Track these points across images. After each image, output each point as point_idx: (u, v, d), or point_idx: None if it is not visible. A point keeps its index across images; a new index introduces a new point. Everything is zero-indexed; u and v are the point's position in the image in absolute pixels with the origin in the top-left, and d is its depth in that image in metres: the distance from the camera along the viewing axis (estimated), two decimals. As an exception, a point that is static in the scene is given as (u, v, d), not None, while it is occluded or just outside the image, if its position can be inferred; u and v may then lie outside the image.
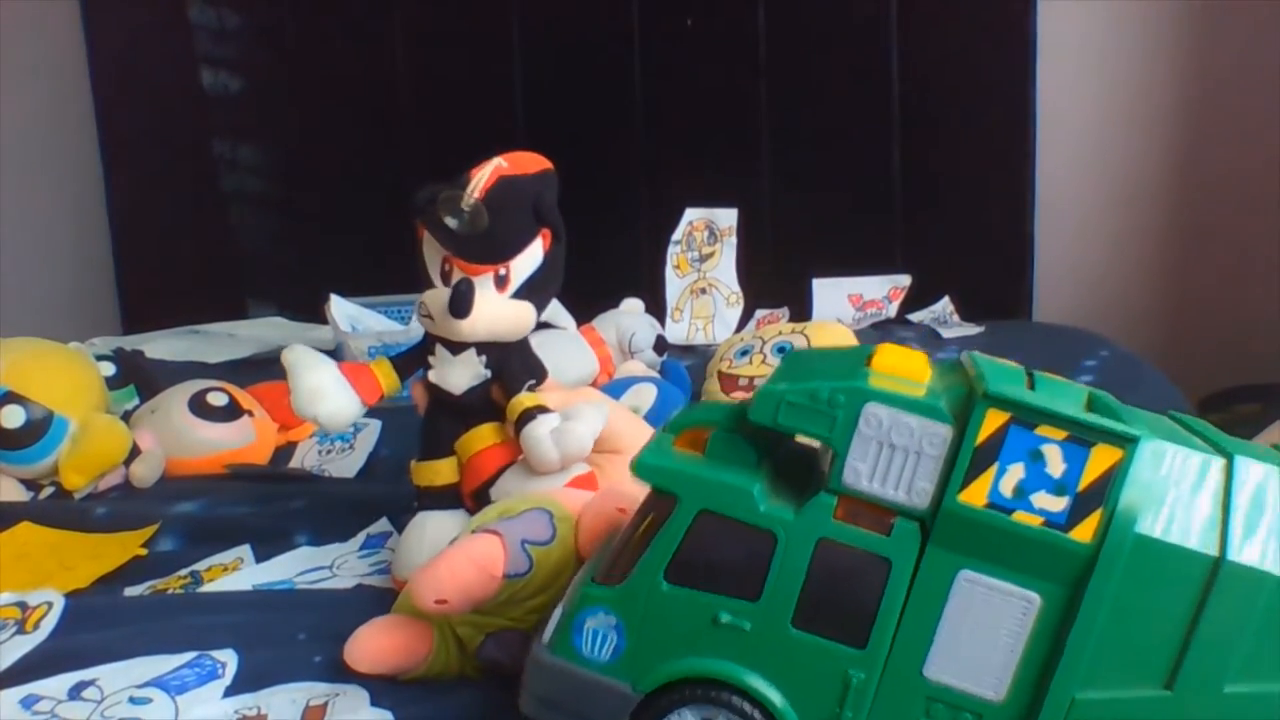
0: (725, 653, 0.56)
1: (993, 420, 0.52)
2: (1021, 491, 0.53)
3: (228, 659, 0.78)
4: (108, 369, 1.36)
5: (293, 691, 0.75)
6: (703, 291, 1.73)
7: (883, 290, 1.74)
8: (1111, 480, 0.52)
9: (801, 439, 0.58)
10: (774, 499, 0.56)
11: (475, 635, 0.75)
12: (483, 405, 0.91)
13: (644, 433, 0.97)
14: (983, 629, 0.55)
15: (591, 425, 0.89)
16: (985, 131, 1.78)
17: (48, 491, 1.17)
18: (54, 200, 1.97)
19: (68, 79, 1.86)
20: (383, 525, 1.03)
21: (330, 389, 0.91)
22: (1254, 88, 1.77)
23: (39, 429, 1.15)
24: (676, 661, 0.57)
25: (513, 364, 0.91)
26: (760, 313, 1.74)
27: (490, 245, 0.87)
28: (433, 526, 0.88)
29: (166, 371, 1.49)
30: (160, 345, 1.66)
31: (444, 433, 0.90)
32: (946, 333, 1.63)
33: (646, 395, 0.99)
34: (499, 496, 0.88)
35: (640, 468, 0.58)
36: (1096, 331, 1.63)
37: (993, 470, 0.53)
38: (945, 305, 1.76)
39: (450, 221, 0.85)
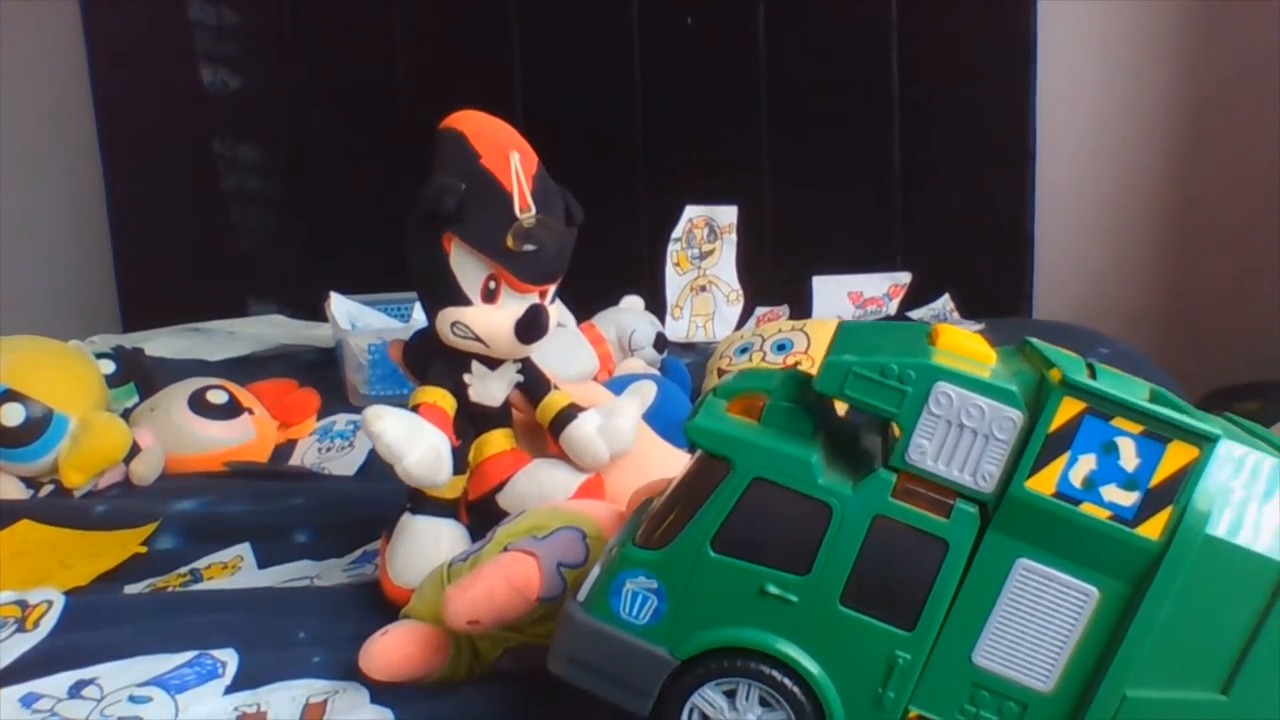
0: (769, 625, 0.56)
1: (1068, 409, 0.52)
2: (1091, 483, 0.52)
3: (228, 658, 0.78)
4: (107, 367, 1.36)
5: (292, 689, 0.75)
6: (703, 289, 1.74)
7: (882, 287, 1.74)
8: (1185, 478, 0.51)
9: (848, 414, 0.57)
10: (830, 472, 0.55)
11: (494, 649, 0.75)
12: (503, 411, 0.90)
13: (648, 435, 0.97)
14: (1037, 619, 0.54)
15: (633, 418, 0.89)
16: (985, 130, 1.78)
17: (47, 489, 1.17)
18: (54, 200, 1.97)
19: (68, 79, 1.86)
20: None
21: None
22: (1254, 86, 1.77)
23: (39, 427, 1.15)
24: (718, 630, 0.56)
25: (534, 367, 0.91)
26: (760, 310, 1.74)
27: (558, 262, 0.86)
28: (427, 534, 0.86)
29: (166, 369, 1.49)
30: (160, 343, 1.66)
31: (463, 445, 0.88)
32: (946, 331, 1.62)
33: (646, 393, 0.99)
34: (509, 502, 0.87)
35: (695, 431, 0.56)
36: (1096, 329, 1.63)
37: (1064, 459, 0.52)
38: (945, 303, 1.76)
39: (530, 247, 0.83)
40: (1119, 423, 0.51)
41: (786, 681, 0.56)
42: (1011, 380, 0.54)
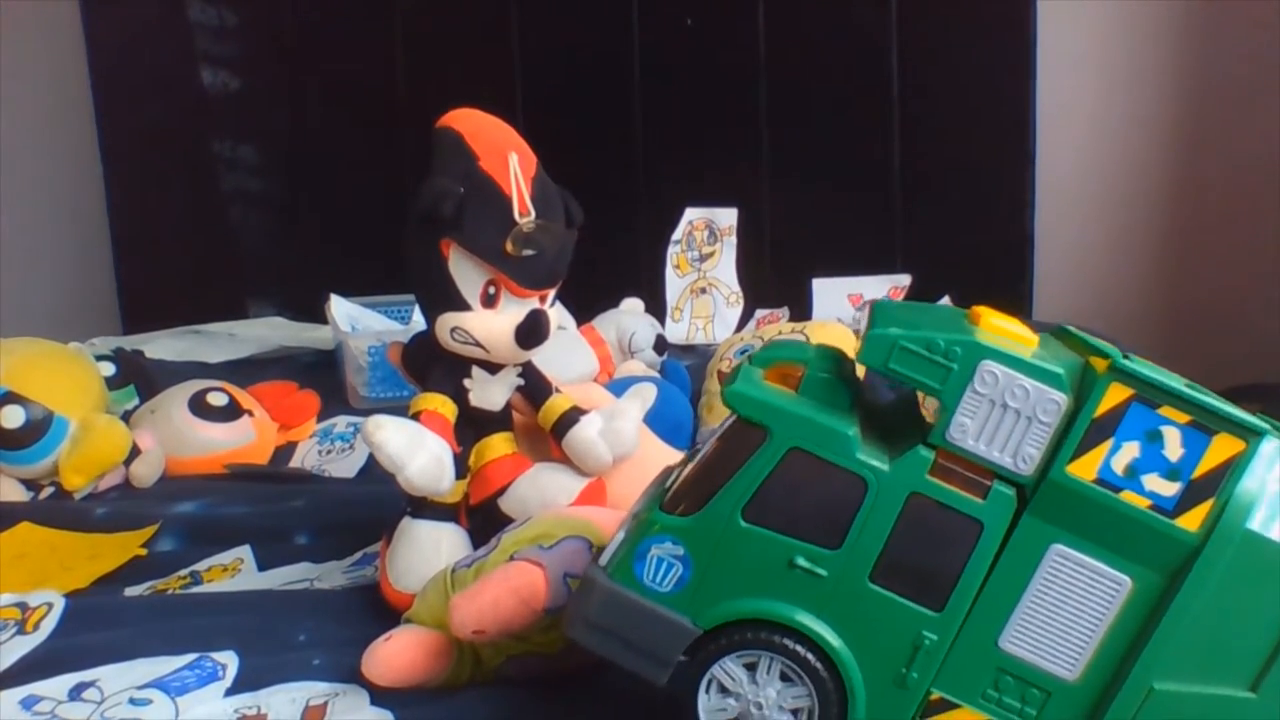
0: (796, 598, 0.55)
1: (1115, 394, 0.51)
2: (1133, 471, 0.51)
3: (228, 660, 0.78)
4: (108, 369, 1.36)
5: (293, 691, 0.74)
6: (703, 291, 1.74)
7: (882, 290, 1.74)
8: (1229, 472, 0.51)
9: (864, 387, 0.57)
10: (866, 447, 0.55)
11: (497, 656, 0.75)
12: (504, 415, 0.90)
13: (649, 438, 0.97)
14: (1067, 606, 0.54)
15: (635, 421, 0.89)
16: (985, 131, 1.78)
17: (48, 492, 1.17)
18: (54, 200, 1.97)
19: (68, 79, 1.86)
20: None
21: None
22: (1254, 87, 1.76)
23: (39, 429, 1.15)
24: (743, 601, 0.55)
25: (535, 371, 0.91)
26: (760, 312, 1.74)
27: (558, 266, 0.86)
28: (428, 539, 0.85)
29: (166, 371, 1.49)
30: (160, 345, 1.66)
31: (463, 450, 0.88)
32: (946, 332, 1.62)
33: (647, 395, 0.99)
34: (511, 507, 0.87)
35: (733, 396, 0.56)
36: (1096, 330, 1.62)
37: (1107, 445, 0.51)
38: (945, 304, 1.76)
39: (529, 252, 0.83)
40: (1166, 411, 0.51)
41: (810, 656, 0.55)
42: (1057, 363, 0.53)
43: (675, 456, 0.97)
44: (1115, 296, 1.90)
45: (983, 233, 1.80)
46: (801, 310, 1.71)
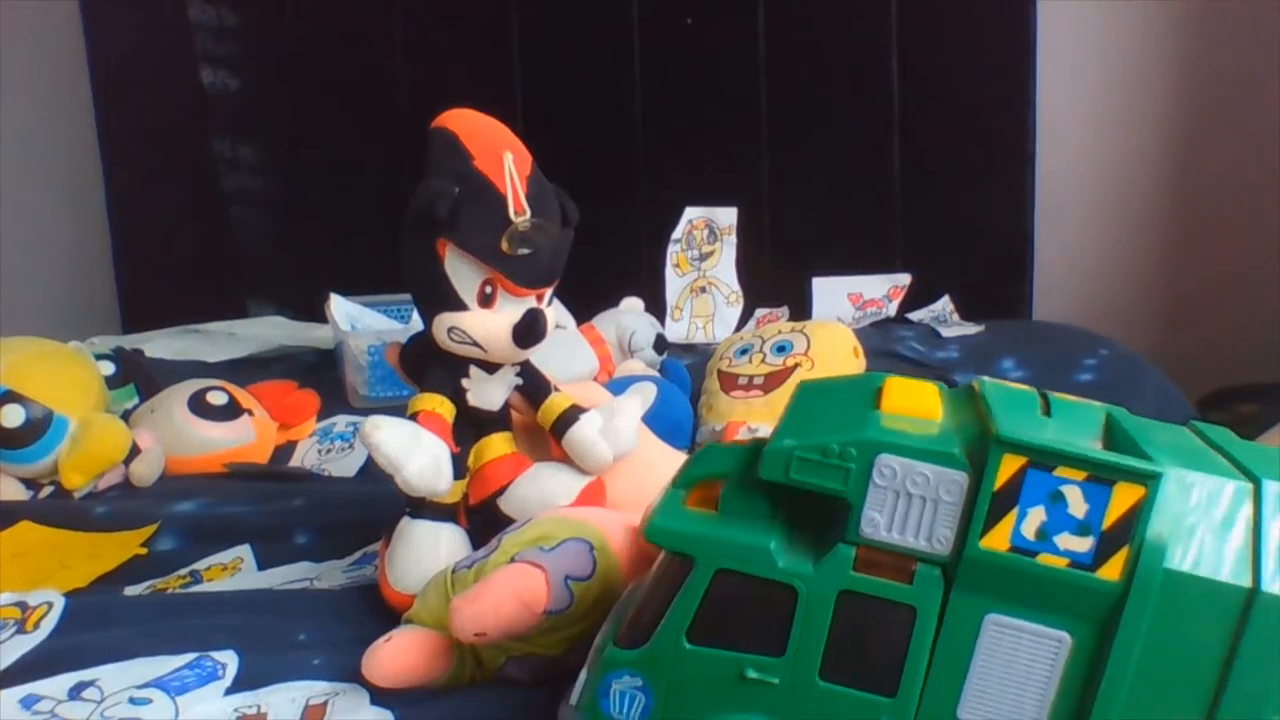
0: (756, 707, 0.56)
1: (1009, 465, 0.52)
2: (1044, 534, 0.52)
3: (228, 660, 0.78)
4: (107, 368, 1.36)
5: (293, 690, 0.75)
6: (702, 290, 1.74)
7: (882, 289, 1.74)
8: (1136, 517, 0.51)
9: None
10: (792, 552, 0.56)
11: (498, 656, 0.75)
12: (502, 415, 0.90)
13: (648, 437, 0.97)
14: (1014, 670, 0.54)
15: (634, 418, 0.89)
16: (985, 131, 1.78)
17: (47, 491, 1.17)
18: (54, 199, 1.97)
19: (68, 79, 1.86)
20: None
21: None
22: (1253, 87, 1.77)
23: (39, 428, 1.15)
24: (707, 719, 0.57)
25: (533, 370, 0.91)
26: (760, 311, 1.75)
27: (554, 265, 0.86)
28: (426, 539, 0.85)
29: (166, 371, 1.49)
30: (160, 344, 1.66)
31: (462, 450, 0.88)
32: (946, 331, 1.63)
33: (647, 394, 0.99)
34: (510, 506, 0.87)
35: (653, 532, 0.57)
36: (1096, 330, 1.63)
37: (1013, 515, 0.52)
38: (945, 304, 1.76)
39: (525, 251, 0.83)
40: (1062, 472, 0.51)
41: None
42: (954, 439, 0.54)
43: (675, 456, 0.98)
44: (1115, 296, 1.90)
45: (983, 231, 1.80)
46: (801, 309, 1.71)
